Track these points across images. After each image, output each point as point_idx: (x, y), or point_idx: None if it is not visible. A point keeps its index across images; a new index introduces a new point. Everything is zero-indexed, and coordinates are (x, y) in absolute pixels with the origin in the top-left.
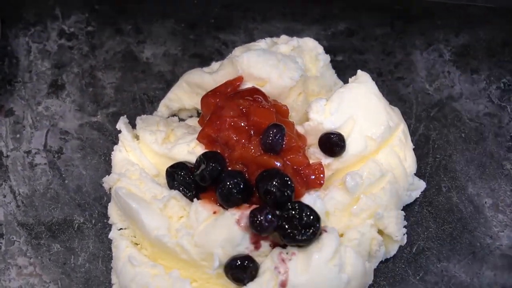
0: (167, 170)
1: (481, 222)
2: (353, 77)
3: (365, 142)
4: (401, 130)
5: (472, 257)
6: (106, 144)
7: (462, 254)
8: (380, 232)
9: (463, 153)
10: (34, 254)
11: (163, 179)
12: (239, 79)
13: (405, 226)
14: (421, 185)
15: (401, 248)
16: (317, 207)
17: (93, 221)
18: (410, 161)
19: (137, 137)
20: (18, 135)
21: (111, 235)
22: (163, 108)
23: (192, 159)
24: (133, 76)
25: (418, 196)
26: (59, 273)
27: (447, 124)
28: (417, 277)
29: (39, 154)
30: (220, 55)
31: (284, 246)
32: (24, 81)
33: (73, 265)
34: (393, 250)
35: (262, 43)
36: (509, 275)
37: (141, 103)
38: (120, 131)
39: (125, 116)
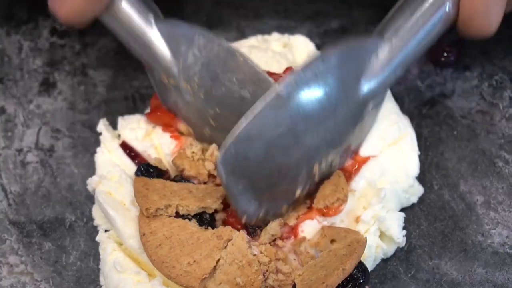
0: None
1: (473, 219)
2: None
3: (376, 141)
4: (409, 134)
5: (463, 254)
6: (98, 143)
7: (453, 252)
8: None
9: (455, 151)
10: (26, 252)
11: None
12: None
13: None
14: (420, 190)
15: None
16: None
17: (85, 220)
18: (414, 164)
19: (119, 136)
20: (9, 133)
21: (98, 237)
22: None
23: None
24: (125, 74)
25: (416, 201)
26: (50, 272)
27: (439, 121)
28: (409, 275)
29: (30, 152)
30: None
31: None
32: (15, 79)
33: (64, 263)
34: (390, 251)
35: (253, 40)
36: (500, 272)
37: (133, 101)
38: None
39: (106, 118)
